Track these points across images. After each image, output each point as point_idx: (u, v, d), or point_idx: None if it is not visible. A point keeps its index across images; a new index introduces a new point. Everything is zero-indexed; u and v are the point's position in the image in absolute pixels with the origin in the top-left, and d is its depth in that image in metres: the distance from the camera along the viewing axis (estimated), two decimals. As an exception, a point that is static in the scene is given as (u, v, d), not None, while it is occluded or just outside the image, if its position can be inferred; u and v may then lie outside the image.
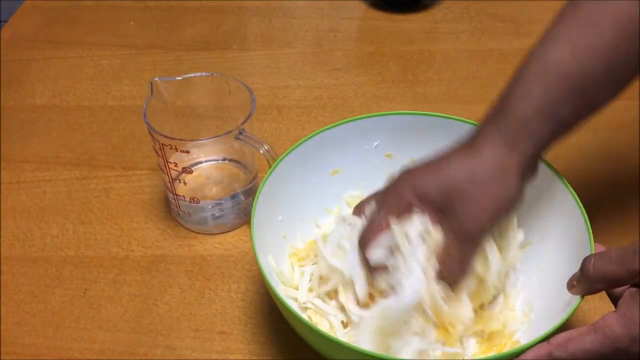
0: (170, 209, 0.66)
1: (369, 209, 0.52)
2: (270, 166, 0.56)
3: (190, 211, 0.63)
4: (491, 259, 0.50)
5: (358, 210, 0.53)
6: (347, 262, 0.51)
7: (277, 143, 0.71)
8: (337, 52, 0.88)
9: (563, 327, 0.44)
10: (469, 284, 0.50)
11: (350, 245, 0.51)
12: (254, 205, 0.52)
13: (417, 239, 0.48)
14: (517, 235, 0.53)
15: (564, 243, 0.52)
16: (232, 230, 0.65)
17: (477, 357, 0.51)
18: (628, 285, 0.43)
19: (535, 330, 0.50)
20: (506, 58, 0.84)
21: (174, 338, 0.56)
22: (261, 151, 0.58)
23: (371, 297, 0.51)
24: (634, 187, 0.67)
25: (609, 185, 0.68)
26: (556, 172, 0.54)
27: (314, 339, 0.47)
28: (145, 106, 0.59)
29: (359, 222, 0.52)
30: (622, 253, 0.42)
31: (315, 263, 0.55)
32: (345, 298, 0.51)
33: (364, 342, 0.47)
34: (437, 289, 0.48)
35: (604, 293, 0.46)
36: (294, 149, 0.56)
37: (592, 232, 0.49)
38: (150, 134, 0.58)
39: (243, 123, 0.58)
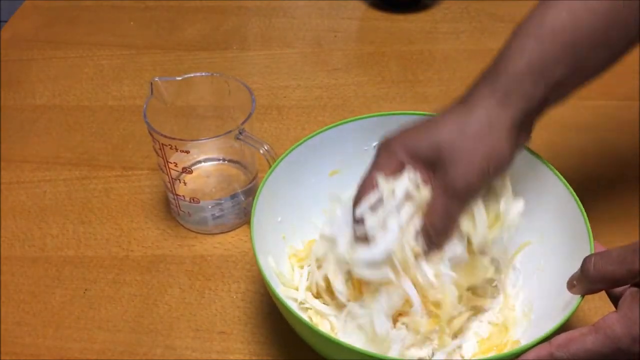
0: (170, 209, 0.66)
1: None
2: (270, 166, 0.56)
3: (190, 211, 0.63)
4: (478, 220, 0.49)
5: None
6: (335, 222, 0.51)
7: (277, 143, 0.71)
8: (337, 52, 0.88)
9: (563, 327, 0.44)
10: (455, 249, 0.49)
11: (341, 210, 0.51)
12: (254, 205, 0.52)
13: (402, 195, 0.48)
14: (517, 203, 0.52)
15: (564, 243, 0.52)
16: (232, 230, 0.65)
17: (477, 357, 0.51)
18: (628, 285, 0.43)
19: (535, 330, 0.50)
20: (506, 58, 0.84)
21: (174, 338, 0.56)
22: (261, 151, 0.58)
23: (359, 289, 0.51)
24: (634, 187, 0.67)
25: (609, 185, 0.68)
26: (556, 172, 0.54)
27: (314, 339, 0.47)
28: (145, 106, 0.59)
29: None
30: (622, 253, 0.42)
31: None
32: (334, 276, 0.51)
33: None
34: (412, 245, 0.48)
35: (604, 293, 0.46)
36: (294, 149, 0.56)
37: (592, 232, 0.49)
38: (150, 134, 0.58)
39: (243, 123, 0.58)
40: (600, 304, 0.54)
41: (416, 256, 0.48)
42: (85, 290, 0.60)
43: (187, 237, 0.64)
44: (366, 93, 0.81)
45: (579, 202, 0.51)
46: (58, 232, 0.65)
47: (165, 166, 0.60)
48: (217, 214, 0.63)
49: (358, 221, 0.49)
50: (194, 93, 0.63)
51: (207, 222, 0.64)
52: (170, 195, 0.63)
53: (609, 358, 0.41)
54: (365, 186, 0.49)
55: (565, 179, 0.53)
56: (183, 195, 0.62)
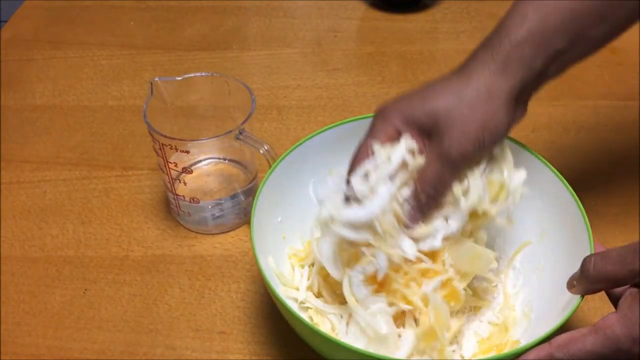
0: (170, 209, 0.66)
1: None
2: (270, 166, 0.56)
3: (190, 211, 0.63)
4: (472, 186, 0.49)
5: None
6: (325, 189, 0.51)
7: (277, 143, 0.71)
8: (337, 52, 0.88)
9: (563, 327, 0.44)
10: (446, 211, 0.49)
11: (333, 179, 0.51)
12: (254, 205, 0.52)
13: (398, 162, 0.48)
14: (519, 172, 0.51)
15: (564, 243, 0.52)
16: (232, 230, 0.65)
17: (477, 357, 0.51)
18: (628, 286, 0.43)
19: (535, 330, 0.50)
20: (506, 58, 0.84)
21: (174, 338, 0.56)
22: (261, 151, 0.58)
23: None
24: (634, 187, 0.67)
25: (609, 185, 0.68)
26: (556, 172, 0.54)
27: (314, 339, 0.47)
28: (145, 106, 0.59)
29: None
30: (622, 253, 0.42)
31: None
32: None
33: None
34: (397, 211, 0.48)
35: (603, 293, 0.45)
36: (294, 149, 0.56)
37: (592, 232, 0.49)
38: (150, 134, 0.58)
39: (243, 123, 0.58)
40: (600, 304, 0.54)
41: (400, 225, 0.48)
42: (85, 290, 0.60)
43: (187, 237, 0.64)
44: (366, 93, 0.81)
45: (579, 202, 0.51)
46: (58, 232, 0.65)
47: (165, 166, 0.60)
48: (217, 214, 0.63)
49: (350, 185, 0.49)
50: (194, 93, 0.63)
51: (207, 222, 0.64)
52: (170, 195, 0.63)
53: (609, 359, 0.41)
54: (361, 153, 0.49)
55: (565, 179, 0.53)
56: (183, 195, 0.62)
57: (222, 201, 0.63)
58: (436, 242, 0.48)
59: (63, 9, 0.95)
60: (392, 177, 0.48)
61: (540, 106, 0.78)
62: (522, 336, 0.52)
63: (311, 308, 0.53)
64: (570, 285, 0.46)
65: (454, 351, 0.52)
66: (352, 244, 0.49)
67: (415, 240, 0.49)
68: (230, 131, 0.58)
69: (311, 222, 0.59)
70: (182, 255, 0.63)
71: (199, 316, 0.58)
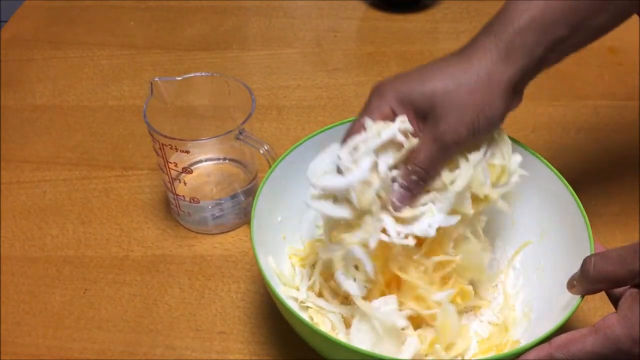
0: (170, 209, 0.66)
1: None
2: (270, 166, 0.56)
3: (190, 211, 0.63)
4: (462, 173, 0.49)
5: None
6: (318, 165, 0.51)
7: (277, 143, 0.71)
8: (337, 52, 0.88)
9: (563, 328, 0.44)
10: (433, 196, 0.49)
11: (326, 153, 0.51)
12: (254, 205, 0.52)
13: (386, 139, 0.47)
14: (515, 156, 0.52)
15: (564, 243, 0.52)
16: (232, 230, 0.65)
17: (477, 357, 0.51)
18: (628, 286, 0.43)
19: (535, 330, 0.50)
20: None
21: (174, 338, 0.56)
22: (261, 151, 0.58)
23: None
24: (634, 187, 0.67)
25: (608, 184, 0.68)
26: (556, 172, 0.54)
27: (314, 339, 0.47)
28: (145, 106, 0.59)
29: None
30: (622, 253, 0.42)
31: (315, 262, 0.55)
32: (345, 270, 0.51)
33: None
34: (379, 191, 0.47)
35: (603, 293, 0.45)
36: (294, 149, 0.56)
37: (592, 232, 0.49)
38: (150, 134, 0.58)
39: (243, 123, 0.58)
40: (600, 304, 0.54)
41: (383, 206, 0.48)
42: (85, 290, 0.60)
43: (187, 237, 0.64)
44: (366, 93, 0.80)
45: (579, 202, 0.51)
46: (58, 232, 0.65)
47: (165, 166, 0.60)
48: (217, 214, 0.63)
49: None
50: (194, 93, 0.63)
51: (207, 222, 0.64)
52: (170, 195, 0.63)
53: (609, 359, 0.41)
54: (354, 129, 0.49)
55: (565, 179, 0.53)
56: (183, 195, 0.62)
57: (222, 201, 0.63)
58: (431, 231, 0.48)
59: (63, 9, 0.95)
60: (378, 152, 0.48)
61: (540, 106, 0.78)
62: (522, 336, 0.52)
63: (311, 308, 0.53)
64: (570, 285, 0.46)
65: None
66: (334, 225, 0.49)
67: (403, 222, 0.48)
68: (230, 131, 0.58)
69: (310, 223, 0.60)
70: (182, 255, 0.63)
71: (199, 316, 0.58)
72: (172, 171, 0.60)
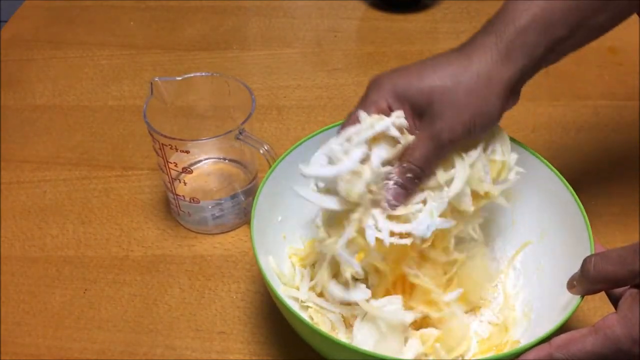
0: (170, 209, 0.66)
1: None
2: (270, 166, 0.56)
3: (190, 211, 0.63)
4: (458, 167, 0.48)
5: None
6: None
7: (277, 143, 0.71)
8: (337, 52, 0.88)
9: (563, 328, 0.44)
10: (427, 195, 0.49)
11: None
12: (254, 205, 0.52)
13: (379, 131, 0.47)
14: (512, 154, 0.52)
15: (564, 243, 0.52)
16: (232, 230, 0.65)
17: (477, 357, 0.51)
18: (628, 286, 0.43)
19: (535, 330, 0.50)
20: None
21: (174, 338, 0.56)
22: (261, 151, 0.58)
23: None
24: (634, 187, 0.67)
25: (609, 185, 0.68)
26: (556, 172, 0.54)
27: (314, 339, 0.47)
28: (145, 106, 0.59)
29: None
30: (623, 253, 0.42)
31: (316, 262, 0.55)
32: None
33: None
34: (370, 185, 0.47)
35: (603, 293, 0.45)
36: (294, 149, 0.56)
37: (592, 232, 0.49)
38: (150, 134, 0.58)
39: (243, 123, 0.58)
40: (600, 304, 0.54)
41: (375, 203, 0.48)
42: (85, 290, 0.60)
43: (187, 237, 0.64)
44: (366, 93, 0.81)
45: (579, 202, 0.51)
46: (58, 232, 0.65)
47: (165, 166, 0.60)
48: (217, 214, 0.63)
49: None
50: (194, 93, 0.63)
51: (207, 222, 0.64)
52: (170, 195, 0.63)
53: (609, 359, 0.41)
54: (349, 121, 0.49)
55: (565, 179, 0.53)
56: (183, 195, 0.62)
57: (222, 201, 0.63)
58: (428, 233, 0.48)
59: (63, 9, 0.95)
60: (372, 145, 0.47)
61: (540, 106, 0.78)
62: (522, 336, 0.52)
63: (311, 307, 0.53)
64: (570, 285, 0.46)
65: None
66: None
67: (397, 220, 0.48)
68: (230, 131, 0.58)
69: (310, 222, 0.59)
70: (182, 255, 0.63)
71: (199, 316, 0.58)
72: (172, 171, 0.60)
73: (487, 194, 0.50)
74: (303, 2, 0.98)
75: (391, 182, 0.48)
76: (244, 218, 0.65)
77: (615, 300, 0.44)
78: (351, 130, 0.48)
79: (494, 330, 0.54)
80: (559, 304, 0.48)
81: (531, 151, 0.55)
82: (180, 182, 0.62)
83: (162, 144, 0.58)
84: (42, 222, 0.66)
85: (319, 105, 0.79)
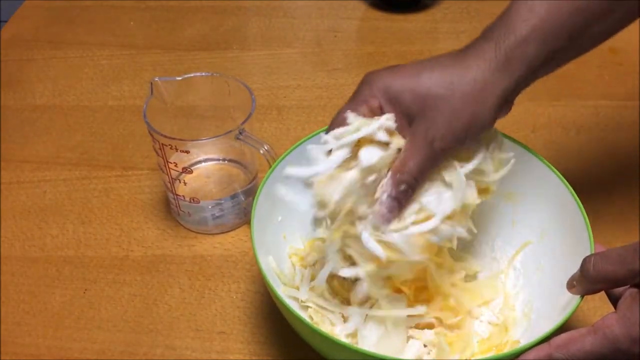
0: (170, 209, 0.66)
1: None
2: (270, 166, 0.56)
3: (190, 211, 0.63)
4: (456, 180, 0.48)
5: None
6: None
7: (277, 143, 0.71)
8: (337, 52, 0.88)
9: (563, 328, 0.44)
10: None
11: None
12: (254, 205, 0.52)
13: (363, 134, 0.46)
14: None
15: (564, 243, 0.52)
16: (232, 230, 0.65)
17: (477, 357, 0.51)
18: (628, 286, 0.43)
19: (535, 330, 0.50)
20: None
21: (174, 338, 0.56)
22: (261, 151, 0.58)
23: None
24: (634, 187, 0.67)
25: (609, 185, 0.68)
26: (556, 172, 0.54)
27: (314, 339, 0.47)
28: (145, 106, 0.59)
29: None
30: (622, 253, 0.42)
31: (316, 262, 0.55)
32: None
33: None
34: (350, 181, 0.46)
35: (603, 293, 0.45)
36: (294, 149, 0.56)
37: (592, 232, 0.49)
38: (150, 134, 0.58)
39: (243, 123, 0.58)
40: (600, 304, 0.54)
41: (359, 218, 0.47)
42: (85, 290, 0.60)
43: (187, 237, 0.64)
44: (366, 93, 0.81)
45: (579, 202, 0.51)
46: (58, 232, 0.65)
47: (165, 166, 0.60)
48: (217, 214, 0.63)
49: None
50: (194, 93, 0.63)
51: (207, 222, 0.64)
52: (170, 195, 0.63)
53: (608, 359, 0.41)
54: (336, 121, 0.48)
55: (565, 179, 0.53)
56: (183, 195, 0.62)
57: (222, 201, 0.63)
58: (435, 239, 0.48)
59: (63, 9, 0.95)
60: (361, 147, 0.46)
61: (540, 106, 0.78)
62: (522, 336, 0.52)
63: (311, 307, 0.53)
64: (570, 285, 0.46)
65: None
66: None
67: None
68: (230, 131, 0.58)
69: (310, 222, 0.59)
70: (182, 255, 0.63)
71: (199, 316, 0.58)
72: (172, 171, 0.60)
73: (487, 189, 0.50)
74: (303, 2, 0.98)
75: (385, 195, 0.46)
76: (244, 218, 0.65)
77: (614, 300, 0.44)
78: (336, 132, 0.47)
79: (494, 330, 0.54)
80: (559, 304, 0.48)
81: (531, 151, 0.55)
82: (180, 182, 0.62)
83: (162, 144, 0.58)
84: (42, 222, 0.66)
85: (319, 105, 0.79)
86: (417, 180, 0.47)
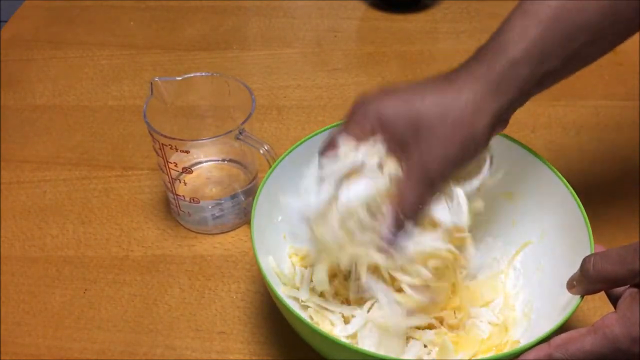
0: (170, 209, 0.66)
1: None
2: (270, 166, 0.56)
3: (190, 211, 0.63)
4: (461, 202, 0.48)
5: None
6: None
7: (277, 143, 0.71)
8: (337, 52, 0.88)
9: (563, 328, 0.44)
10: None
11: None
12: (254, 205, 0.52)
13: (350, 166, 0.46)
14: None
15: (564, 243, 0.52)
16: (232, 230, 0.65)
17: (477, 357, 0.51)
18: (628, 286, 0.43)
19: (535, 330, 0.50)
20: (506, 58, 0.84)
21: (174, 338, 0.56)
22: (261, 151, 0.58)
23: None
24: (634, 187, 0.67)
25: (609, 185, 0.68)
26: (556, 172, 0.54)
27: (314, 339, 0.47)
28: (145, 106, 0.59)
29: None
30: (622, 253, 0.42)
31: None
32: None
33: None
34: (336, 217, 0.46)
35: (603, 293, 0.45)
36: (294, 149, 0.56)
37: (592, 232, 0.49)
38: (150, 134, 0.58)
39: (243, 123, 0.58)
40: (600, 304, 0.54)
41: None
42: (85, 290, 0.60)
43: (187, 237, 0.64)
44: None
45: (579, 202, 0.51)
46: (58, 232, 0.65)
47: (165, 166, 0.60)
48: (217, 214, 0.63)
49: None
50: (194, 93, 0.63)
51: (207, 222, 0.64)
52: (170, 195, 0.63)
53: (608, 359, 0.41)
54: (330, 144, 0.48)
55: (565, 179, 0.53)
56: (183, 195, 0.62)
57: (222, 201, 0.63)
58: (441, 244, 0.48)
59: (63, 9, 0.95)
60: (341, 178, 0.47)
61: (540, 106, 0.78)
62: (522, 336, 0.52)
63: (311, 307, 0.53)
64: (570, 285, 0.46)
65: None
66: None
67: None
68: (230, 131, 0.58)
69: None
70: (182, 255, 0.63)
71: (199, 316, 0.58)
72: (172, 171, 0.60)
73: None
74: (303, 2, 0.98)
75: (385, 231, 0.46)
76: (244, 218, 0.65)
77: (614, 300, 0.44)
78: (327, 169, 0.47)
79: (494, 330, 0.54)
80: (559, 304, 0.48)
81: (531, 151, 0.55)
82: (180, 182, 0.62)
83: (162, 144, 0.58)
84: (42, 222, 0.66)
85: (319, 105, 0.79)
86: (417, 208, 0.47)
